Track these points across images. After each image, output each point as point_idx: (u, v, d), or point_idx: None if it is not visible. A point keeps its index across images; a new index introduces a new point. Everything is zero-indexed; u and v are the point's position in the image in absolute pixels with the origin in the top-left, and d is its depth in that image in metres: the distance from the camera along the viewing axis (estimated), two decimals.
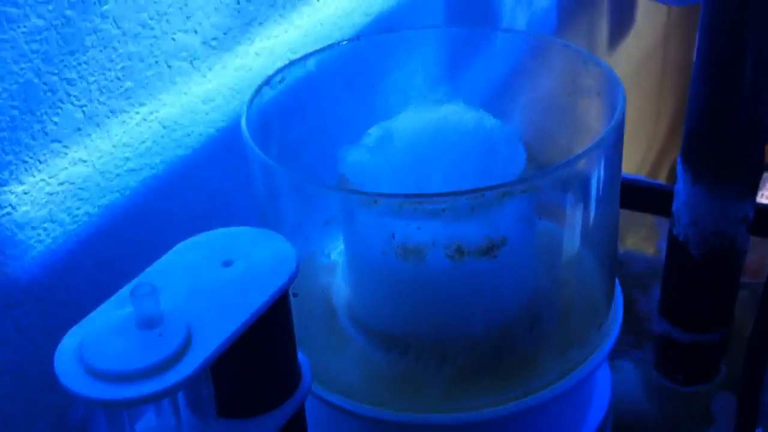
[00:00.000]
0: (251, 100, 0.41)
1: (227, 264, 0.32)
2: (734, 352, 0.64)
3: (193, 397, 0.31)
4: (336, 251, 0.46)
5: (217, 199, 0.52)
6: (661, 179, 1.58)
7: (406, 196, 0.34)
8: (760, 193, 1.17)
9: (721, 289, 0.63)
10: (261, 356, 0.32)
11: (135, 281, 0.31)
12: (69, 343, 0.29)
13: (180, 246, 0.33)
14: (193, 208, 0.50)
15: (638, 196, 0.74)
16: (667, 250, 0.63)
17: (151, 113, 0.46)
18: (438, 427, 0.40)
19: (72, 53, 0.41)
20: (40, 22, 0.39)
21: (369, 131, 0.42)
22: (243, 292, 0.31)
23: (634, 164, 1.51)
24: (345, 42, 0.47)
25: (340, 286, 0.45)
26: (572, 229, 0.42)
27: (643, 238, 0.76)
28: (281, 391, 0.33)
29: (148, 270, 0.32)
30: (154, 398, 0.28)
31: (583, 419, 0.45)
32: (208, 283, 0.31)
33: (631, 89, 1.41)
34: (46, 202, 0.41)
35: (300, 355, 0.35)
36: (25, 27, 0.38)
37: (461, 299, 0.40)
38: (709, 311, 0.64)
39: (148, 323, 0.29)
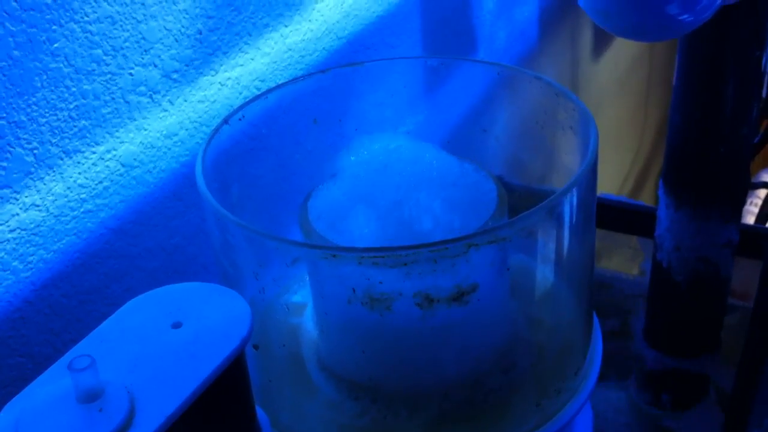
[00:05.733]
0: (209, 141, 0.39)
1: (176, 326, 0.30)
2: (722, 376, 0.62)
3: None
4: (304, 290, 0.44)
5: (180, 236, 0.50)
6: (647, 190, 1.57)
7: (365, 249, 0.33)
8: (749, 201, 1.16)
9: (706, 315, 0.62)
10: (214, 423, 0.30)
11: (74, 350, 0.29)
12: (6, 418, 0.27)
13: (127, 306, 0.32)
14: (154, 247, 0.48)
15: (622, 218, 0.73)
16: (651, 276, 0.62)
17: (109, 152, 0.44)
18: None
19: (20, 95, 0.39)
20: None
21: (336, 171, 0.40)
22: (192, 357, 0.29)
23: (620, 174, 1.50)
24: (309, 75, 0.45)
25: (308, 329, 0.43)
26: (546, 269, 0.41)
27: (627, 259, 0.75)
28: None
29: (91, 335, 0.30)
30: None
31: None
32: (155, 349, 0.30)
33: (617, 97, 1.40)
34: None
35: (259, 413, 0.33)
36: None
37: (432, 347, 0.38)
38: (694, 337, 0.63)
39: (88, 397, 0.27)
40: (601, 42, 1.23)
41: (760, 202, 1.03)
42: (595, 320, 0.44)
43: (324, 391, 0.40)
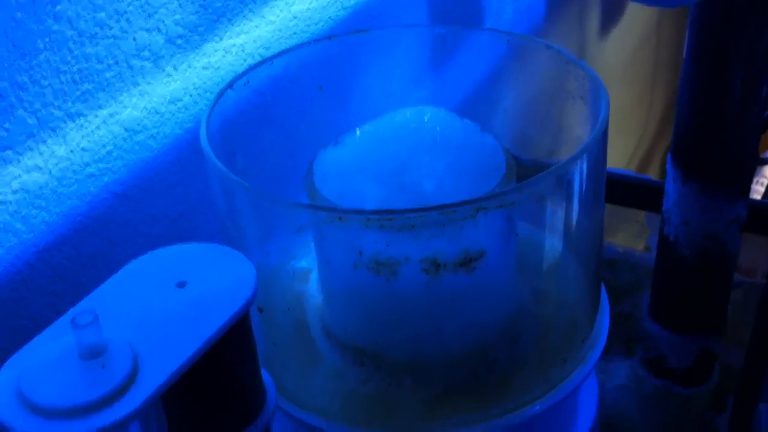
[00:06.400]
0: (213, 105, 0.39)
1: (181, 285, 0.30)
2: (727, 353, 0.62)
3: (143, 430, 0.29)
4: (310, 257, 0.44)
5: (185, 203, 0.49)
6: (652, 169, 1.56)
7: (373, 212, 0.32)
8: (755, 180, 1.15)
9: (712, 291, 0.61)
10: (218, 383, 0.30)
11: (77, 307, 0.29)
12: (6, 375, 0.27)
13: (130, 265, 0.31)
14: (158, 213, 0.48)
15: (628, 192, 0.72)
16: (657, 250, 0.62)
17: (112, 116, 0.44)
18: None
19: (23, 56, 0.38)
20: None
21: (342, 136, 0.40)
22: (197, 317, 0.29)
23: (625, 154, 1.49)
24: (316, 42, 0.44)
25: (313, 295, 0.43)
26: (554, 237, 0.40)
27: (633, 235, 0.74)
28: (242, 417, 0.31)
29: (93, 293, 0.30)
30: None
31: None
32: (159, 308, 0.29)
33: (623, 78, 1.39)
34: None
35: (264, 376, 0.33)
36: None
37: (437, 315, 0.37)
38: (700, 313, 0.62)
39: (91, 353, 0.27)
40: (608, 21, 1.22)
41: (766, 181, 1.02)
42: (603, 290, 0.44)
43: (328, 357, 0.40)
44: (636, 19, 1.34)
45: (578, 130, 0.42)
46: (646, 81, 1.54)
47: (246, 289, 0.30)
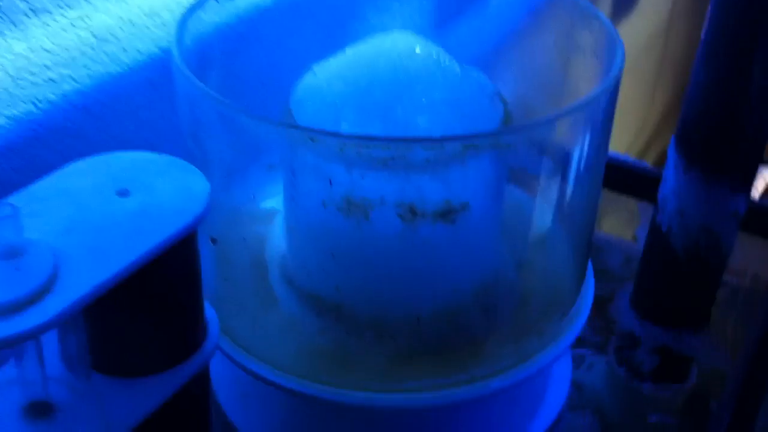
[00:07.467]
0: (190, 12, 0.35)
1: (123, 194, 0.27)
2: (708, 354, 0.59)
3: (62, 346, 0.26)
4: (277, 198, 0.41)
5: (151, 129, 0.46)
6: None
7: (349, 136, 0.29)
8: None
9: (700, 287, 0.58)
10: (150, 307, 0.26)
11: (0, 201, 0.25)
12: None
13: (69, 167, 0.28)
14: (120, 135, 0.44)
15: (622, 177, 0.69)
16: (647, 239, 0.58)
17: (81, 19, 0.40)
18: (372, 410, 0.35)
19: None
20: None
21: (324, 61, 0.36)
22: (135, 229, 0.25)
23: (620, 148, 1.46)
24: None
25: (276, 237, 0.39)
26: (545, 202, 0.37)
27: (622, 223, 0.71)
28: (175, 350, 0.28)
29: (21, 191, 0.26)
30: (4, 344, 0.22)
31: (536, 413, 0.40)
32: (94, 215, 0.26)
33: (627, 75, 1.35)
34: None
35: (208, 311, 0.30)
36: None
37: (408, 268, 0.34)
38: (685, 309, 0.59)
39: (5, 252, 0.23)
40: (617, 18, 1.19)
41: (764, 183, 0.99)
42: (590, 268, 0.41)
43: (284, 303, 0.37)
44: (646, 19, 1.31)
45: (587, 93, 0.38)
46: (649, 80, 1.51)
47: (196, 205, 0.26)
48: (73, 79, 0.41)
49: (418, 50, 0.33)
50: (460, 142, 0.28)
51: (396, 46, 0.33)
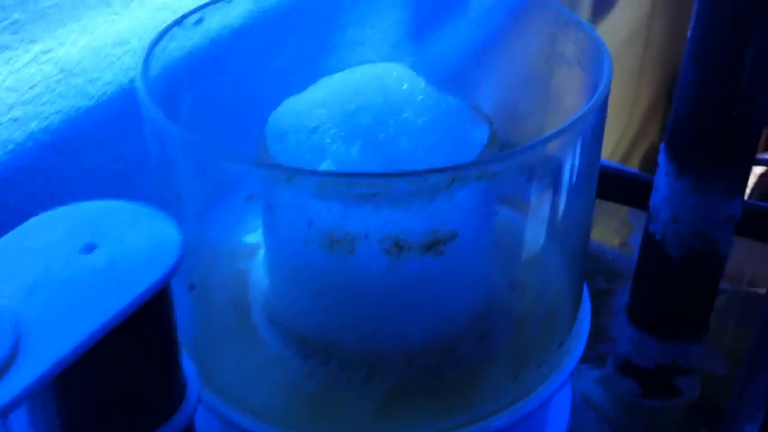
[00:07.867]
0: (155, 43, 0.34)
1: (89, 249, 0.25)
2: (708, 364, 0.58)
3: (31, 419, 0.24)
4: (258, 231, 0.39)
5: (126, 161, 0.44)
6: (633, 167, 1.53)
7: (328, 173, 0.27)
8: None
9: (697, 296, 0.57)
10: (123, 372, 0.25)
11: None
12: None
13: (32, 221, 0.26)
14: (94, 169, 0.42)
15: (612, 185, 0.68)
16: (641, 248, 0.57)
17: (45, 53, 0.38)
18: None
19: None
20: None
21: (302, 91, 0.34)
22: (103, 288, 0.24)
23: (605, 149, 1.45)
24: None
25: (258, 275, 0.38)
26: (536, 225, 0.35)
27: (612, 231, 0.69)
28: (153, 415, 0.26)
29: None
30: None
31: None
32: (60, 274, 0.24)
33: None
34: None
35: (187, 367, 0.28)
36: None
37: (397, 303, 0.32)
38: (682, 318, 0.58)
39: None
40: (597, 15, 1.18)
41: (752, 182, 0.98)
42: (585, 291, 0.39)
43: (270, 346, 0.35)
44: (627, 13, 1.30)
45: (573, 104, 0.37)
46: (632, 78, 1.50)
47: (168, 257, 0.25)
48: (41, 117, 0.39)
49: (394, 74, 0.31)
50: (445, 174, 0.26)
51: (380, 74, 0.31)
